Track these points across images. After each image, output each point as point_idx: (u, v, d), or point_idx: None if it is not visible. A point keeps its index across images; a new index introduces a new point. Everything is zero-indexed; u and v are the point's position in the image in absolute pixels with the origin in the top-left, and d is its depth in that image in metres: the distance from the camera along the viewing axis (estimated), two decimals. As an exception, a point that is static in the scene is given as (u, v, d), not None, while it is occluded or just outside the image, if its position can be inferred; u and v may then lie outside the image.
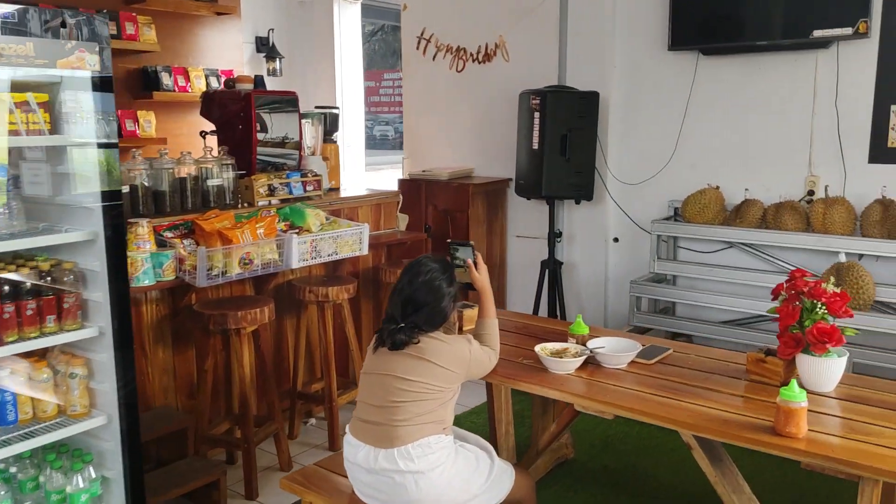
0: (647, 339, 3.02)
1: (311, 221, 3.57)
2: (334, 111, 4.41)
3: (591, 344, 2.60)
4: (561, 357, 2.51)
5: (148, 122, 5.02)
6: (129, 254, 2.90)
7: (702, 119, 4.45)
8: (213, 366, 3.26)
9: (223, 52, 5.61)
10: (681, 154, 4.54)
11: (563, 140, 4.41)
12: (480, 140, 5.31)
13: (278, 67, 6.05)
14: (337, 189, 4.40)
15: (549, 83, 4.78)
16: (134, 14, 4.88)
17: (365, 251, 3.74)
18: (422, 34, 5.47)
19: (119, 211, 2.33)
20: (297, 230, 3.52)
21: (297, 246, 3.38)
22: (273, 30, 6.07)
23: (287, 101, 3.92)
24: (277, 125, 3.87)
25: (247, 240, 3.17)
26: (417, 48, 5.50)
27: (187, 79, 5.26)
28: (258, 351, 3.33)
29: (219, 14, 5.47)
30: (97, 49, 2.17)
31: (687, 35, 4.35)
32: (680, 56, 4.46)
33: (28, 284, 2.21)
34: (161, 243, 3.09)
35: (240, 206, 3.56)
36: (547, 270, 4.74)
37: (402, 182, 5.18)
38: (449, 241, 2.61)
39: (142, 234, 2.98)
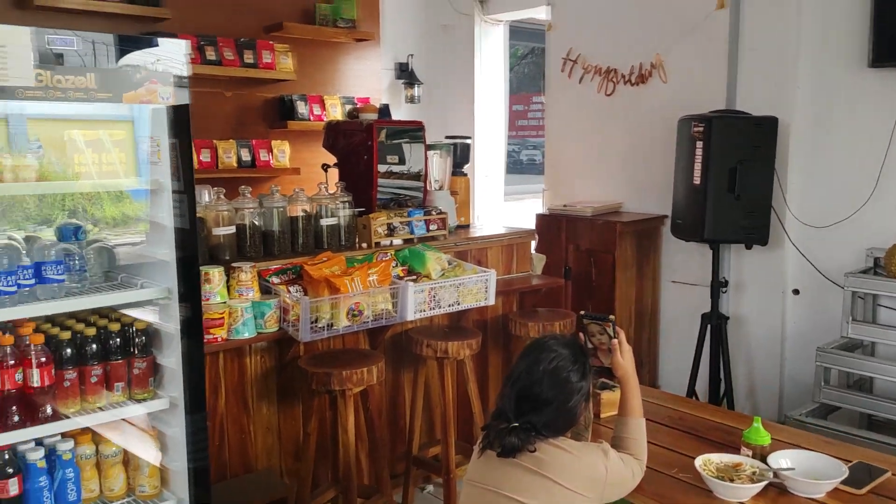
0: (849, 447, 2.28)
1: (431, 266, 3.17)
2: (466, 141, 4.02)
3: (775, 460, 1.97)
4: (733, 479, 1.90)
5: (282, 152, 4.89)
6: (228, 302, 2.64)
7: (912, 149, 3.61)
8: (318, 428, 2.92)
9: (361, 79, 5.42)
10: (883, 192, 3.72)
11: (731, 174, 3.74)
12: (631, 172, 4.71)
13: (416, 94, 5.78)
14: (466, 226, 3.99)
15: (714, 107, 4.12)
16: (272, 43, 4.77)
17: (491, 301, 3.29)
18: (567, 55, 4.97)
19: (194, 264, 2.03)
20: (415, 276, 3.13)
21: (414, 295, 2.99)
22: (413, 55, 5.82)
23: (413, 132, 3.57)
24: (402, 157, 3.53)
25: (356, 288, 2.82)
26: (563, 70, 5.01)
27: (323, 107, 5.10)
28: (367, 414, 2.96)
29: (358, 41, 5.28)
30: (171, 79, 1.89)
31: (893, 48, 3.56)
32: (884, 74, 3.66)
33: (94, 347, 1.95)
34: (266, 290, 2.81)
35: (356, 247, 3.23)
36: (709, 326, 4.05)
37: (539, 217, 4.69)
38: (582, 313, 2.08)
39: (245, 279, 2.71)
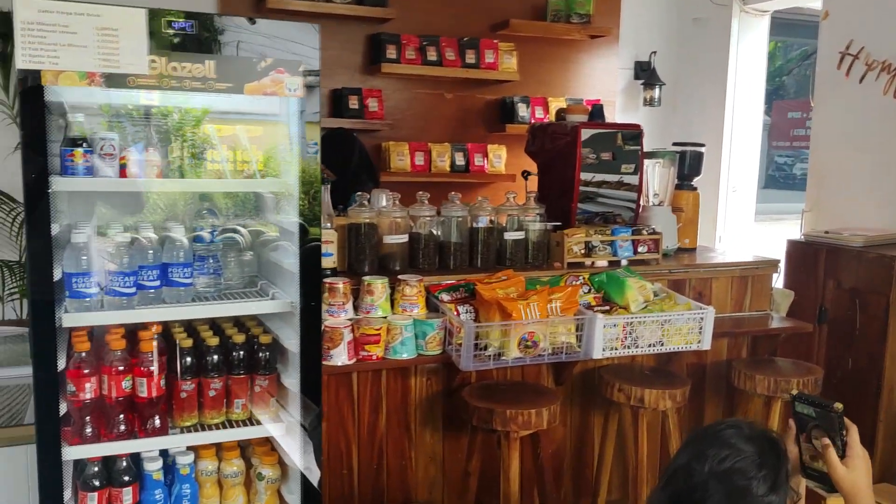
0: None
1: (630, 296, 2.66)
2: (697, 149, 3.40)
3: None
4: None
5: (498, 158, 4.63)
6: (389, 317, 2.41)
7: None
8: (480, 468, 2.58)
9: (593, 79, 4.97)
10: None
11: None
12: (924, 193, 3.70)
13: (657, 96, 5.17)
14: (691, 250, 3.38)
15: None
16: (495, 42, 4.53)
17: (706, 345, 2.68)
18: (846, 48, 4.06)
19: (317, 277, 1.80)
20: (609, 306, 2.65)
21: (603, 330, 2.51)
22: (655, 52, 5.22)
23: (629, 137, 3.07)
24: (613, 166, 3.05)
25: (532, 315, 2.42)
26: (839, 67, 4.10)
27: (546, 110, 4.74)
28: (537, 461, 2.55)
29: (593, 37, 4.85)
30: (301, 69, 1.66)
31: None
32: None
33: (216, 358, 1.81)
34: (435, 307, 2.53)
35: (544, 266, 2.83)
36: None
37: (792, 245, 3.87)
38: (794, 394, 1.45)
39: (410, 294, 2.45)
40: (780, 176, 14.26)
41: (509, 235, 2.74)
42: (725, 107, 5.02)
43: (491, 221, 2.75)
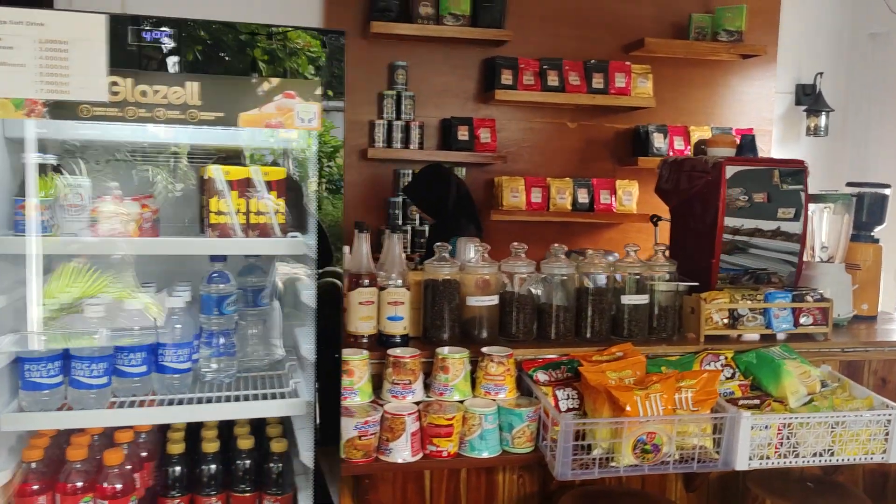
0: None
1: (788, 385, 2.02)
2: (881, 191, 2.68)
3: None
4: None
5: (628, 195, 4.05)
6: (467, 402, 1.93)
7: None
8: None
9: (746, 105, 4.29)
10: None
11: None
12: None
13: (822, 125, 4.39)
14: (871, 318, 2.66)
15: None
16: (628, 64, 3.97)
17: (893, 457, 1.99)
18: None
19: (332, 364, 1.36)
20: (759, 398, 2.02)
21: (750, 433, 1.89)
22: (822, 74, 4.44)
23: (789, 175, 2.44)
24: (768, 210, 2.43)
25: (654, 410, 1.86)
26: None
27: (687, 140, 4.11)
28: None
29: (745, 57, 4.18)
30: (317, 92, 1.24)
31: None
32: None
33: (212, 469, 1.40)
34: (527, 390, 2.02)
35: (674, 339, 2.24)
36: None
37: None
38: None
39: (495, 373, 1.97)
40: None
41: (628, 299, 2.18)
42: (911, 137, 4.15)
43: (608, 279, 2.21)
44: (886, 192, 2.71)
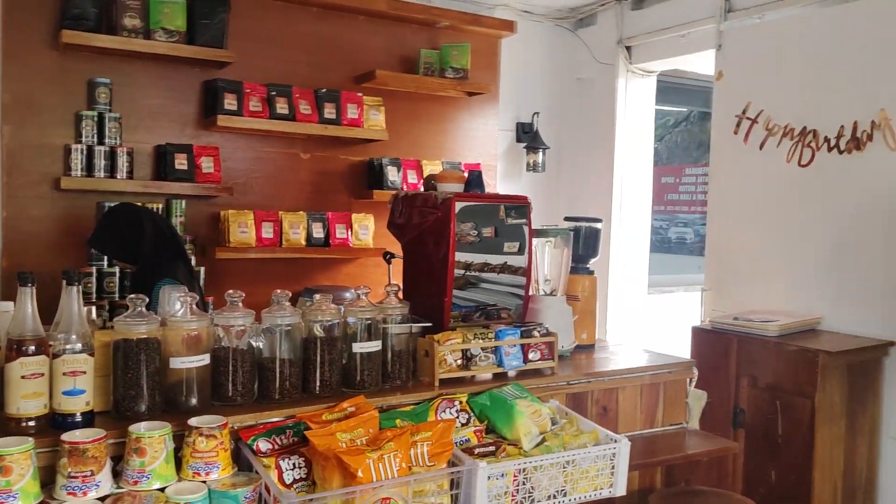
0: None
1: (521, 426, 1.98)
2: (594, 225, 2.84)
3: None
4: None
5: (364, 229, 3.93)
6: (169, 491, 1.60)
7: None
8: None
9: (473, 141, 4.41)
10: None
11: None
12: (836, 274, 3.32)
13: (540, 161, 4.69)
14: (590, 347, 2.78)
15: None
16: (360, 95, 3.87)
17: (620, 489, 2.03)
18: (744, 112, 3.70)
19: None
20: (494, 444, 1.95)
21: (487, 484, 1.80)
22: (538, 114, 4.76)
23: (513, 210, 2.45)
24: (496, 245, 2.41)
25: (389, 472, 1.68)
26: (736, 132, 3.74)
27: (420, 174, 4.11)
28: None
29: (470, 94, 4.30)
30: None
31: None
32: None
33: None
34: (248, 464, 1.74)
35: (409, 386, 2.11)
36: (976, 531, 2.54)
37: (698, 334, 3.37)
38: None
39: (205, 448, 1.66)
40: (657, 239, 14.47)
41: (360, 347, 2.01)
42: (614, 173, 4.59)
43: (339, 325, 2.01)
44: (598, 225, 2.88)
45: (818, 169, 3.37)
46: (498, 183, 4.54)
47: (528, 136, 4.77)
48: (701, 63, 4.26)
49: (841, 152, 3.29)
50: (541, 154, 4.70)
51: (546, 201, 4.77)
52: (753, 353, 3.10)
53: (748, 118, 3.67)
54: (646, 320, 4.82)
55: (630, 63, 4.51)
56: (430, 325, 2.21)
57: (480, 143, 4.43)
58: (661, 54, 4.34)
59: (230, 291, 1.88)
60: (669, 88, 8.21)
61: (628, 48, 4.49)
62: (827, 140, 3.34)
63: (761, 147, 3.61)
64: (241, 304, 1.89)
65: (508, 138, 4.76)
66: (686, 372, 2.63)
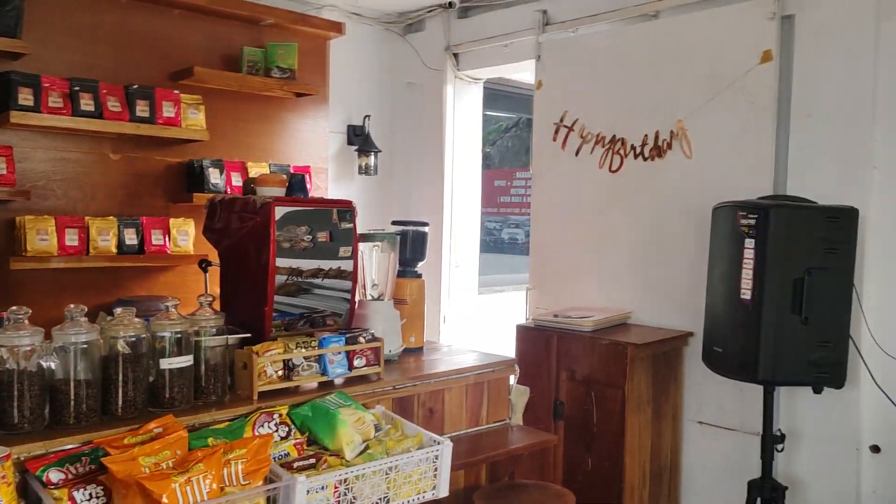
0: None
1: (344, 436, 1.95)
2: (421, 229, 2.87)
3: None
4: None
5: (184, 235, 3.71)
6: (-59, 531, 1.40)
7: None
8: None
9: (304, 143, 4.30)
10: None
11: (796, 287, 2.61)
12: (643, 271, 3.58)
13: (372, 164, 4.68)
14: (418, 350, 2.80)
15: (757, 190, 3.06)
16: (176, 92, 3.65)
17: (442, 491, 2.06)
18: (561, 120, 3.90)
19: None
20: (314, 456, 1.91)
21: (305, 497, 1.75)
22: (369, 116, 4.75)
23: (339, 216, 2.41)
24: (331, 250, 2.36)
25: (198, 496, 1.59)
26: (555, 139, 3.94)
27: (245, 176, 3.95)
28: None
29: (299, 95, 4.20)
30: None
31: None
32: None
33: None
34: (36, 498, 1.57)
35: (225, 402, 2.01)
36: (759, 500, 2.84)
37: (522, 331, 3.51)
38: None
39: (-18, 483, 1.47)
40: (491, 240, 14.99)
41: (168, 363, 1.88)
42: (444, 176, 4.68)
43: (144, 341, 1.87)
44: (425, 229, 2.91)
45: (626, 175, 3.63)
46: (329, 186, 4.47)
47: (359, 138, 4.74)
48: (524, 72, 4.44)
49: (645, 159, 3.55)
50: (373, 157, 4.68)
51: (379, 204, 4.78)
52: (571, 348, 3.27)
53: (565, 126, 3.88)
54: (478, 320, 4.96)
55: (458, 69, 4.62)
56: (248, 335, 2.13)
57: (310, 145, 4.34)
58: (486, 62, 4.48)
59: (14, 308, 1.69)
60: (500, 95, 8.56)
61: (455, 55, 4.59)
62: (633, 148, 3.59)
63: (577, 153, 3.82)
64: (27, 321, 1.71)
65: (339, 141, 4.70)
66: (509, 370, 2.72)
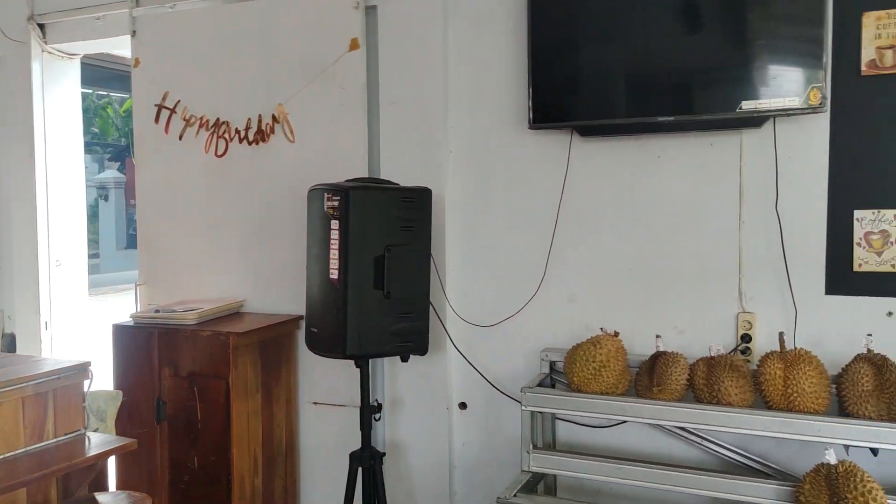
0: None
1: None
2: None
3: None
4: None
5: None
6: None
7: (582, 226, 3.01)
8: None
9: None
10: (553, 279, 3.05)
11: (378, 264, 2.76)
12: (254, 258, 3.52)
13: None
14: (-34, 364, 2.37)
15: (356, 173, 3.17)
16: None
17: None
18: (163, 101, 3.66)
19: None
20: None
21: None
22: (-69, 91, 3.97)
23: None
24: None
25: None
26: (157, 121, 3.68)
27: None
28: None
29: None
30: None
31: (554, 107, 2.93)
32: (547, 138, 3.04)
33: None
34: None
35: None
36: (360, 469, 2.97)
37: (119, 331, 3.22)
38: None
39: None
40: (134, 235, 13.92)
41: None
42: (36, 164, 4.10)
43: None
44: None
45: (232, 159, 3.52)
46: None
47: (-82, 117, 3.93)
48: (124, 49, 4.07)
49: (250, 143, 3.49)
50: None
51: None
52: (174, 344, 3.09)
53: (167, 108, 3.64)
54: (95, 324, 4.47)
55: (45, 43, 4.07)
56: None
57: None
58: (79, 35, 4.01)
59: None
60: (123, 76, 7.83)
61: (41, 25, 4.04)
62: (238, 132, 3.50)
63: (180, 137, 3.62)
64: None
65: None
66: (81, 375, 2.45)
